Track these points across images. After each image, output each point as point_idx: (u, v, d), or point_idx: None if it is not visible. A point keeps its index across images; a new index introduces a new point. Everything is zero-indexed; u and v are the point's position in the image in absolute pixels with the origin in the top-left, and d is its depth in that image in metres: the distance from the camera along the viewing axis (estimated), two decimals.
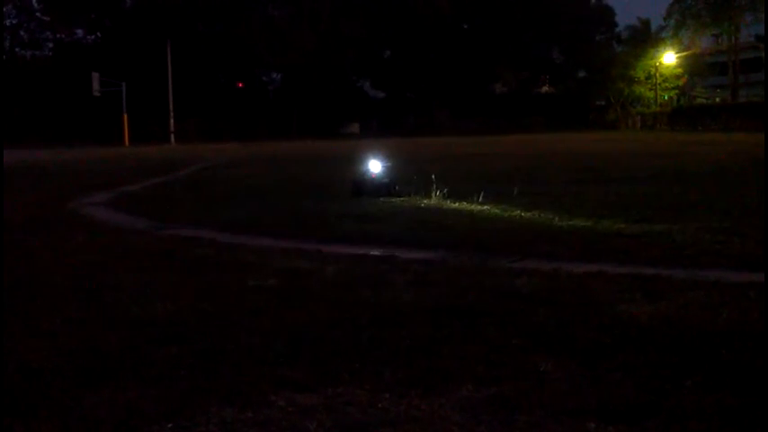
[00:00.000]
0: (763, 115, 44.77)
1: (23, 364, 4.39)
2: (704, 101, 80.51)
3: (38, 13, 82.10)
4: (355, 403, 3.71)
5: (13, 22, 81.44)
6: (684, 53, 75.90)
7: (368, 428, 3.40)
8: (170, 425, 3.48)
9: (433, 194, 12.76)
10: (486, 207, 11.40)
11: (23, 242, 9.16)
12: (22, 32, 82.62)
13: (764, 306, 5.23)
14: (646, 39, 78.38)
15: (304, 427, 3.44)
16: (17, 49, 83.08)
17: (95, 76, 66.52)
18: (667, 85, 76.27)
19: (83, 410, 3.69)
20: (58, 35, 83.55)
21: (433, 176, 13.39)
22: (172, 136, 68.24)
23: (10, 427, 3.50)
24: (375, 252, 7.97)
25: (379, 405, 3.69)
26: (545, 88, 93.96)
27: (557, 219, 9.95)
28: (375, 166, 13.62)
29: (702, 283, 6.05)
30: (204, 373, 4.20)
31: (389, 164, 13.95)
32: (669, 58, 75.01)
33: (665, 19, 79.10)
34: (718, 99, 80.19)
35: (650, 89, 76.49)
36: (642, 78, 76.46)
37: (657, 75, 75.32)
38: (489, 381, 3.98)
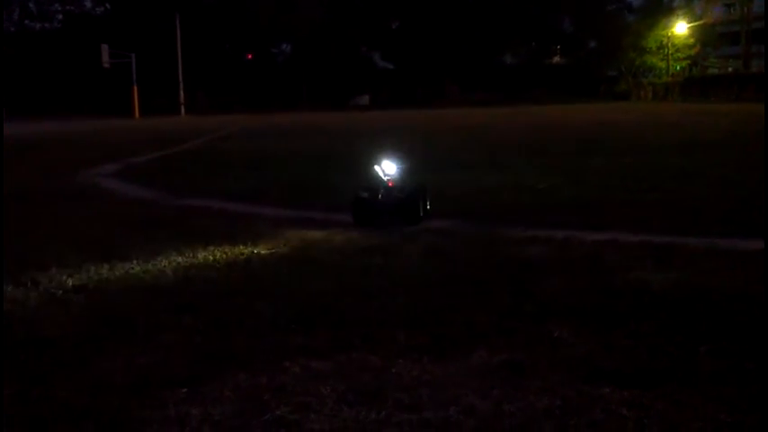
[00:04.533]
0: None
1: (35, 333, 4.41)
2: (716, 71, 79.84)
3: None
4: (369, 369, 3.71)
5: None
6: (696, 23, 75.26)
7: (381, 393, 3.40)
8: (184, 390, 3.49)
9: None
10: (496, 177, 11.36)
11: (32, 213, 9.17)
12: (30, 5, 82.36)
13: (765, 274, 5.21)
14: (658, 8, 77.67)
15: (318, 392, 3.44)
16: (26, 22, 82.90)
17: (104, 47, 66.32)
18: (679, 55, 75.67)
19: (97, 376, 3.70)
20: (66, 7, 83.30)
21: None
22: (182, 108, 68.15)
23: (25, 393, 3.51)
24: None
25: (393, 370, 3.69)
26: (555, 59, 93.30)
27: (567, 188, 9.92)
28: (389, 169, 7.96)
29: (716, 250, 6.04)
30: (218, 340, 4.21)
31: (407, 163, 8.14)
32: (681, 27, 74.37)
33: None
34: (730, 69, 79.50)
35: (662, 59, 75.93)
36: (654, 48, 75.87)
37: (669, 45, 74.72)
38: (502, 347, 3.98)
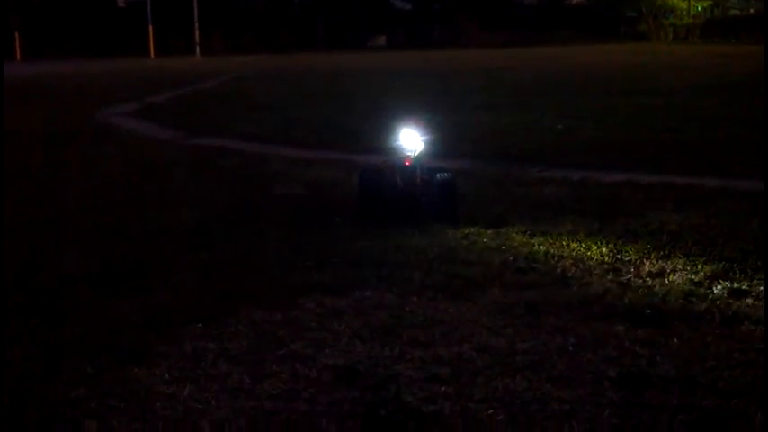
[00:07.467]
0: None
1: (55, 271, 4.44)
2: (738, 12, 78.54)
3: None
4: (383, 306, 3.73)
5: None
6: None
7: (396, 330, 3.42)
8: (200, 325, 3.51)
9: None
10: (515, 118, 11.28)
11: (51, 153, 9.19)
12: None
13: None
14: None
15: (332, 328, 3.46)
16: None
17: None
18: None
19: (114, 313, 3.73)
20: None
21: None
22: (197, 48, 67.72)
23: (42, 329, 3.54)
24: None
25: (407, 308, 3.71)
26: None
27: (587, 129, 9.85)
28: (409, 143, 5.37)
29: (734, 192, 6.00)
30: (234, 278, 4.24)
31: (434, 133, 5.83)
32: None
33: None
34: (752, 10, 78.18)
35: (683, 0, 74.71)
36: None
37: None
38: (517, 286, 3.98)
